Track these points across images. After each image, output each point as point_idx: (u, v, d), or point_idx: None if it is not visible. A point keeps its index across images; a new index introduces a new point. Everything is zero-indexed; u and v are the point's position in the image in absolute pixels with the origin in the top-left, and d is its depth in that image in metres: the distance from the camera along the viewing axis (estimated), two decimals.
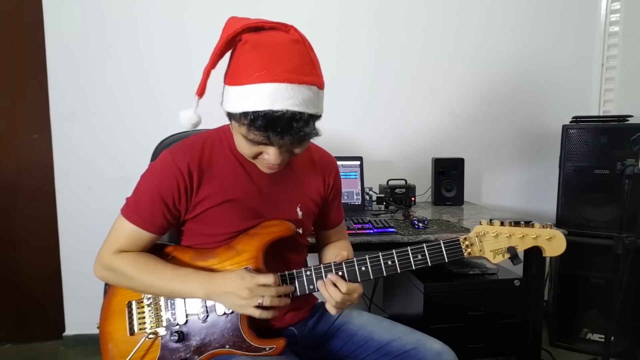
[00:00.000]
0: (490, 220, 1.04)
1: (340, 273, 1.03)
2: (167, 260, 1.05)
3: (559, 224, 2.25)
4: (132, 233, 1.02)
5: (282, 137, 0.86)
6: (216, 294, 0.99)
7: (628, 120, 2.20)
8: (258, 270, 1.03)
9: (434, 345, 1.10)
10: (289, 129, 0.85)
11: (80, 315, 2.35)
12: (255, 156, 0.97)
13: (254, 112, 0.85)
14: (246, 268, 1.01)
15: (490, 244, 1.03)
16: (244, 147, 0.95)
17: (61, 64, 2.23)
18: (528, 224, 1.03)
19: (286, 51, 0.87)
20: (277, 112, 0.83)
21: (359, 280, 1.03)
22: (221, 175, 1.04)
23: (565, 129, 2.23)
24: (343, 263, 1.03)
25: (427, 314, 1.71)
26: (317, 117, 0.91)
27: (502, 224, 1.03)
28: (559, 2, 2.52)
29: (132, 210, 1.02)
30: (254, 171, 1.06)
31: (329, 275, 1.02)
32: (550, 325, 2.30)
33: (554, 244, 1.02)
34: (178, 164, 1.01)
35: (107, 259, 1.02)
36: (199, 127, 1.02)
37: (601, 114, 2.55)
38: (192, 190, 1.02)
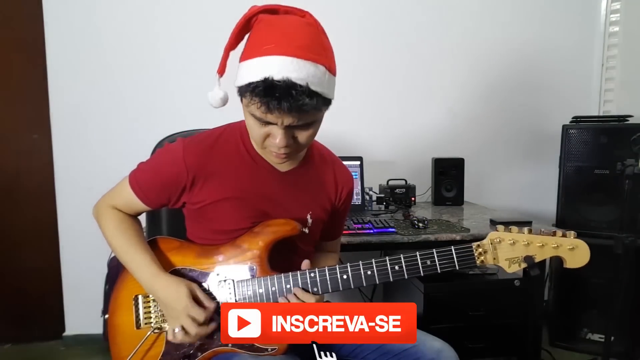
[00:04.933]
0: (505, 223, 0.99)
1: (345, 276, 1.01)
2: (172, 255, 1.08)
3: (559, 224, 2.25)
4: (130, 198, 1.08)
5: (280, 103, 0.85)
6: (156, 296, 1.04)
7: (628, 120, 2.20)
8: (262, 268, 1.04)
9: (434, 343, 1.10)
10: (287, 96, 0.84)
11: (80, 315, 2.35)
12: (264, 140, 0.96)
13: (256, 81, 0.86)
14: (251, 267, 1.04)
15: (505, 252, 0.96)
16: (253, 129, 0.95)
17: (61, 64, 2.23)
18: (527, 227, 0.98)
19: (298, 31, 0.89)
20: (277, 80, 0.84)
21: (364, 284, 1.01)
22: (231, 172, 1.05)
23: (565, 129, 2.23)
24: (348, 265, 1.02)
25: (427, 314, 1.71)
26: (322, 97, 0.90)
27: (519, 230, 0.96)
28: (559, 2, 2.52)
29: (136, 179, 1.07)
30: (268, 170, 1.07)
31: (294, 290, 1.01)
32: (550, 325, 2.30)
33: (577, 254, 0.94)
34: (186, 158, 1.02)
35: (103, 209, 1.11)
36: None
37: (601, 114, 2.55)
38: (191, 186, 1.04)
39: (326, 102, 0.93)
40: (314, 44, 0.89)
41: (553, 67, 2.55)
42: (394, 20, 2.42)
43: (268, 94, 0.85)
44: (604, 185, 2.14)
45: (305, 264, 1.03)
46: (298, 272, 1.03)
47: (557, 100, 2.57)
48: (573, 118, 2.27)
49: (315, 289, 1.02)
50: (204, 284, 1.05)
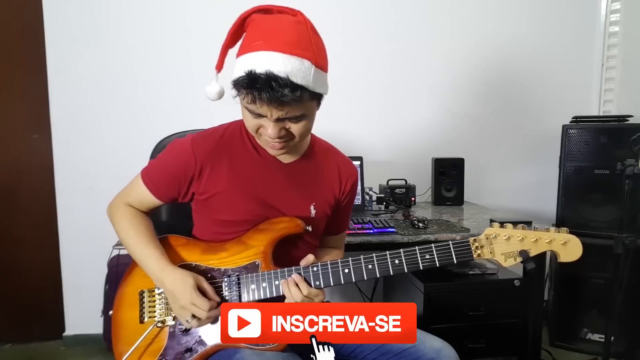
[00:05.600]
0: (502, 223, 1.02)
1: (346, 270, 1.03)
2: (179, 252, 1.12)
3: (559, 224, 2.25)
4: (142, 193, 1.12)
5: (260, 94, 0.89)
6: (164, 287, 1.07)
7: (628, 120, 2.20)
8: (266, 264, 1.06)
9: (434, 342, 1.11)
10: (267, 87, 0.88)
11: (80, 315, 2.35)
12: (257, 130, 1.00)
13: (243, 74, 0.90)
14: (254, 262, 1.06)
15: (501, 247, 1.00)
16: (247, 120, 1.00)
17: (61, 64, 2.23)
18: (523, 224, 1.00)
19: (286, 28, 0.94)
20: (260, 72, 0.88)
21: (365, 278, 1.03)
22: (236, 163, 1.09)
23: (565, 129, 2.23)
24: (350, 259, 1.04)
25: (427, 314, 1.71)
26: (307, 90, 0.92)
27: (514, 226, 1.00)
28: (559, 2, 2.53)
29: (148, 175, 1.12)
30: (271, 162, 1.11)
31: (293, 276, 1.03)
32: (550, 325, 2.30)
33: (569, 248, 0.98)
34: (194, 149, 1.07)
35: (117, 207, 1.15)
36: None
37: (601, 114, 2.55)
38: (199, 175, 1.07)
39: (314, 95, 0.95)
40: (301, 40, 0.93)
41: (553, 67, 2.55)
42: (394, 20, 2.42)
43: (250, 85, 0.89)
44: (604, 185, 2.14)
45: (305, 260, 1.04)
46: (301, 266, 1.05)
47: (557, 100, 2.57)
48: (573, 118, 2.28)
49: (317, 283, 1.03)
50: (209, 279, 1.07)
